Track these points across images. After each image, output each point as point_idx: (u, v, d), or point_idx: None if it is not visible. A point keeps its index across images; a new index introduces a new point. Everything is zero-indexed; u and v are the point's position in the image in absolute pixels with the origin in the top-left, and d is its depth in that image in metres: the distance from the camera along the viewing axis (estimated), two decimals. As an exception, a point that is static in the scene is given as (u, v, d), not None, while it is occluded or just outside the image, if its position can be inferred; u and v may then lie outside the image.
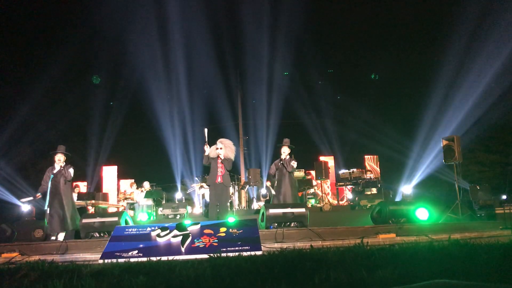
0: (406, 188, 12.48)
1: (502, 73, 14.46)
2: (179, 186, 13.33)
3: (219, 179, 6.83)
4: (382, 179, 12.34)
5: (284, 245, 4.79)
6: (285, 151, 7.43)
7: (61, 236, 6.62)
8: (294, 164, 7.35)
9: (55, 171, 6.75)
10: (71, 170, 6.78)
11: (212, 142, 6.99)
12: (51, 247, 5.57)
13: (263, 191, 11.72)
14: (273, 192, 7.21)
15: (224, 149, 6.83)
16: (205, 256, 4.20)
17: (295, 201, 7.39)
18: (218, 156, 6.82)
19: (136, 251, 4.67)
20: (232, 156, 6.92)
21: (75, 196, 9.50)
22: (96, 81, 16.74)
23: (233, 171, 13.04)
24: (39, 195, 6.81)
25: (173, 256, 4.44)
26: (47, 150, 15.12)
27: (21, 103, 14.62)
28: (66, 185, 6.78)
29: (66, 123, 15.84)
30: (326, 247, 4.52)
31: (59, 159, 6.77)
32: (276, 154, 7.41)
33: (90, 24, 15.43)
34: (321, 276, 2.69)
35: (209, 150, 6.82)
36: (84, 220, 6.50)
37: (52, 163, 6.92)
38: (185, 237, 4.87)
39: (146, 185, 11.75)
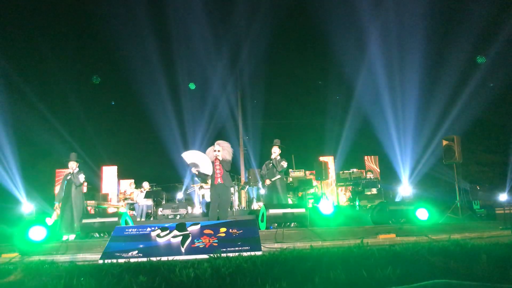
0: (405, 189, 12.48)
1: (502, 73, 14.46)
2: (184, 185, 13.26)
3: (218, 180, 6.78)
4: (382, 179, 12.34)
5: (284, 245, 4.80)
6: (275, 151, 7.45)
7: (71, 237, 6.87)
8: (284, 164, 7.35)
9: (68, 178, 7.27)
10: (81, 176, 7.27)
11: (208, 145, 7.02)
12: (51, 247, 5.57)
13: (262, 191, 11.72)
14: (262, 191, 7.30)
15: (221, 151, 6.78)
16: (205, 256, 4.20)
17: (285, 201, 7.43)
18: (216, 158, 6.77)
19: (136, 251, 4.67)
20: (229, 157, 6.87)
21: None
22: (96, 81, 16.73)
23: (233, 171, 13.03)
24: (58, 204, 7.30)
25: (173, 256, 4.44)
26: (47, 150, 15.16)
27: (22, 103, 14.63)
28: (77, 190, 7.24)
29: (66, 123, 15.82)
30: (326, 247, 4.52)
31: (71, 167, 7.29)
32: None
33: (88, 25, 15.44)
34: (321, 276, 2.69)
35: (203, 164, 6.70)
36: (84, 220, 6.52)
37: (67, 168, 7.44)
38: (185, 237, 4.87)
39: (146, 185, 11.74)
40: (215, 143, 6.87)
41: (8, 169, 12.65)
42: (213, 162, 6.78)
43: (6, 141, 13.07)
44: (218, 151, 6.76)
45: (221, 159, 6.75)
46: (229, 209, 7.62)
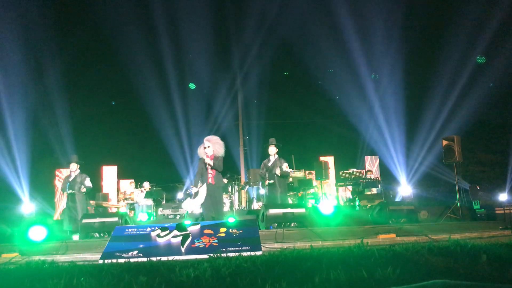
0: (405, 189, 12.46)
1: (502, 73, 14.48)
2: (184, 185, 13.24)
3: (210, 180, 6.54)
4: (382, 180, 12.32)
5: (284, 245, 4.79)
6: (272, 150, 7.37)
7: (75, 237, 7.03)
8: (286, 168, 7.16)
9: (71, 179, 7.48)
10: (87, 182, 7.51)
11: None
12: (51, 247, 5.57)
13: (262, 191, 11.71)
14: (262, 191, 7.26)
15: (212, 146, 6.53)
16: (205, 256, 4.20)
17: (285, 200, 7.39)
18: (207, 156, 6.50)
19: (136, 251, 4.67)
20: (221, 151, 6.60)
21: None
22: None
23: (233, 171, 13.03)
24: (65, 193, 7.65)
25: (173, 256, 4.44)
26: (47, 150, 15.16)
27: (21, 104, 14.63)
28: (81, 192, 7.50)
29: (66, 123, 15.82)
30: (326, 247, 4.52)
31: (72, 169, 7.53)
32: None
33: (89, 23, 15.47)
34: (321, 276, 2.69)
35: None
36: (84, 220, 6.53)
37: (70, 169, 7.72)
38: (185, 237, 4.87)
39: (146, 185, 11.73)
40: (204, 140, 6.61)
41: (10, 168, 12.65)
42: (204, 163, 6.55)
43: (8, 141, 13.07)
44: (208, 147, 6.50)
45: (211, 154, 6.49)
46: (223, 209, 7.44)
